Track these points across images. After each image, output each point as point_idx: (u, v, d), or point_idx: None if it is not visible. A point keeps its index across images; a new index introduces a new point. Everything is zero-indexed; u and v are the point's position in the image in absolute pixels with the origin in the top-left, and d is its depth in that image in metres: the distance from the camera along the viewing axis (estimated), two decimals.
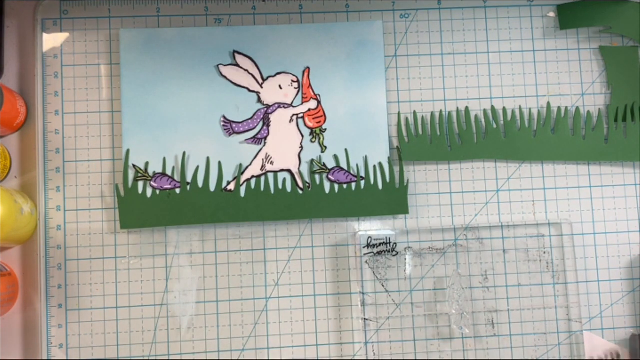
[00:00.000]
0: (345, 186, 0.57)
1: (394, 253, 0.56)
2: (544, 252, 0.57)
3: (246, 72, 0.57)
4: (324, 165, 0.57)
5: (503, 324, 0.56)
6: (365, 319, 0.56)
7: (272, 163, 0.57)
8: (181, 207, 0.56)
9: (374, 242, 0.56)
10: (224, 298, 0.56)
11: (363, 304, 0.56)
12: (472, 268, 0.57)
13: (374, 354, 0.56)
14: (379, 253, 0.56)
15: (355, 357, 0.56)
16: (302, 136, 0.57)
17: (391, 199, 0.57)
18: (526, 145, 0.58)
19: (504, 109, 0.59)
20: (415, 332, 0.56)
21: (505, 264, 0.57)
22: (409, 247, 0.57)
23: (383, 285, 0.56)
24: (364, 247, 0.56)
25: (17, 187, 0.57)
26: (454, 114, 0.58)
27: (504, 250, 0.57)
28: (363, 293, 0.56)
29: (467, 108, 0.58)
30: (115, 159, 0.57)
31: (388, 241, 0.56)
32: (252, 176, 0.56)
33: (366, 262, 0.56)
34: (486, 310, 0.56)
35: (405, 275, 0.56)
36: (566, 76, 0.60)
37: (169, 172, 0.56)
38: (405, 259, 0.56)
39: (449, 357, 0.56)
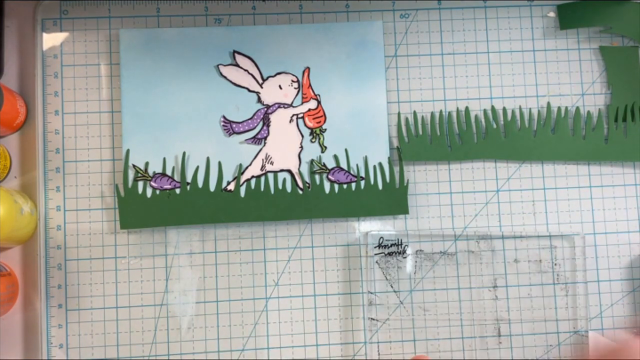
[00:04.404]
0: (345, 186, 0.57)
1: (405, 255, 0.56)
2: (552, 257, 0.57)
3: (246, 72, 0.57)
4: (324, 165, 0.57)
5: (504, 323, 0.56)
6: (372, 318, 0.56)
7: (272, 163, 0.57)
8: (181, 207, 0.56)
9: (385, 242, 0.56)
10: (224, 298, 0.56)
11: (372, 303, 0.56)
12: (479, 271, 0.57)
13: (379, 353, 0.56)
14: (389, 254, 0.56)
15: (356, 357, 0.56)
16: (302, 136, 0.57)
17: (391, 199, 0.57)
18: (526, 145, 0.58)
19: (504, 109, 0.59)
20: (416, 332, 0.56)
21: (505, 264, 0.57)
22: (421, 250, 0.57)
23: (392, 286, 0.56)
24: (374, 247, 0.56)
25: (17, 187, 0.57)
26: (454, 114, 0.58)
27: (515, 259, 0.57)
28: (373, 293, 0.56)
29: (467, 108, 0.58)
30: (115, 159, 0.57)
31: (399, 242, 0.56)
32: (252, 176, 0.56)
33: (377, 262, 0.56)
34: (493, 319, 0.56)
35: (414, 276, 0.56)
36: (566, 76, 0.60)
37: (169, 172, 0.56)
38: (415, 261, 0.56)
39: (450, 358, 0.56)
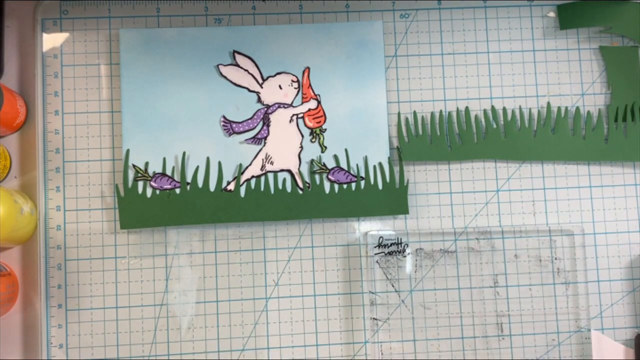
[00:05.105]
0: (345, 186, 0.57)
1: (405, 254, 0.56)
2: (552, 256, 0.57)
3: (246, 72, 0.57)
4: (324, 165, 0.57)
5: (505, 322, 0.56)
6: (374, 318, 0.56)
7: (272, 163, 0.57)
8: (181, 207, 0.56)
9: (384, 242, 0.56)
10: (224, 298, 0.56)
11: (373, 303, 0.56)
12: (479, 270, 0.57)
13: (382, 353, 0.56)
14: (389, 253, 0.56)
15: (356, 357, 0.56)
16: (302, 136, 0.57)
17: (391, 199, 0.57)
18: (526, 145, 0.58)
19: (504, 109, 0.59)
20: (416, 332, 0.56)
21: (506, 263, 0.57)
22: (421, 249, 0.57)
23: (393, 286, 0.56)
24: (374, 247, 0.56)
25: (17, 187, 0.57)
26: (454, 114, 0.58)
27: (515, 256, 0.57)
28: (374, 292, 0.56)
29: (467, 108, 0.58)
30: (115, 159, 0.57)
31: (399, 241, 0.56)
32: (252, 176, 0.56)
33: (377, 262, 0.56)
34: (494, 317, 0.56)
35: (414, 275, 0.56)
36: (566, 76, 0.60)
37: (169, 172, 0.56)
38: (416, 260, 0.56)
39: (450, 357, 0.56)
